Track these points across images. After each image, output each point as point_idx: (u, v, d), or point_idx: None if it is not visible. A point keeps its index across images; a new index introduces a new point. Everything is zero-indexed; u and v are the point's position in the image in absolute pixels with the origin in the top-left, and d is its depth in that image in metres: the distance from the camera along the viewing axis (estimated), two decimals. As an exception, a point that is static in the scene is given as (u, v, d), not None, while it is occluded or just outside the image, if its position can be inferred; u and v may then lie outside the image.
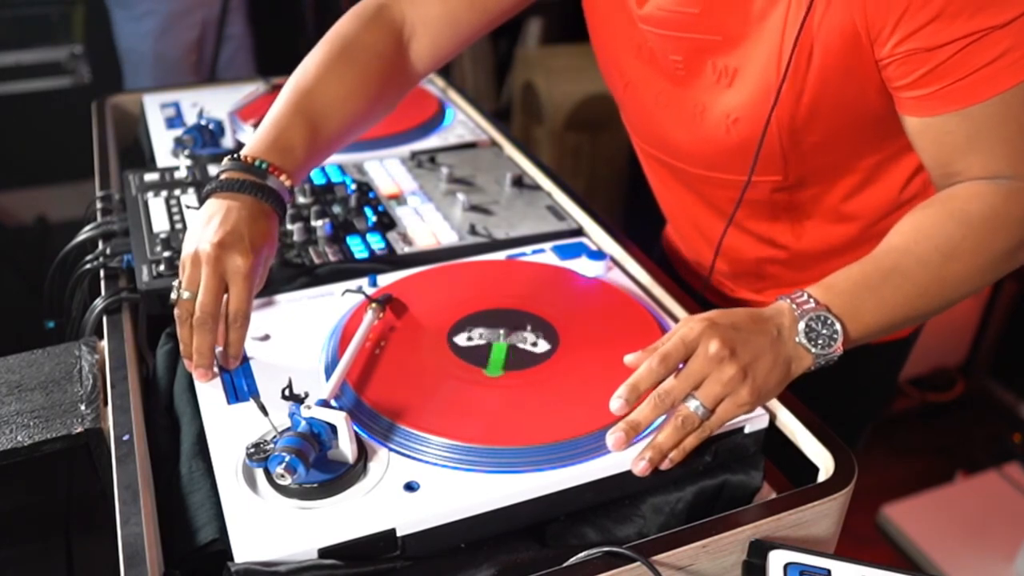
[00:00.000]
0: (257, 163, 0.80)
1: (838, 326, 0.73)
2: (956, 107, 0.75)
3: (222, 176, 0.80)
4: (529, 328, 0.81)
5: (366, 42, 0.92)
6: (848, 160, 0.91)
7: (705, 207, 1.02)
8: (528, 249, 0.98)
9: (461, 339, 0.79)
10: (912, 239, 0.77)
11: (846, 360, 0.74)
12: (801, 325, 0.72)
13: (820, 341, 0.72)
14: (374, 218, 1.03)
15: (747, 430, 0.73)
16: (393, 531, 0.62)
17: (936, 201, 0.79)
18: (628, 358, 0.73)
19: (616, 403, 0.69)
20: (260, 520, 0.62)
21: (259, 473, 0.66)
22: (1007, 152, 0.76)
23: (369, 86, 0.90)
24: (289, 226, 0.99)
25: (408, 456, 0.68)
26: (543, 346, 0.79)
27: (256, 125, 1.21)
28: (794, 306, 0.74)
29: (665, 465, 0.68)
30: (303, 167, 0.84)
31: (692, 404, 0.69)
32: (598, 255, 0.93)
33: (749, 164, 0.88)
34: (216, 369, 0.76)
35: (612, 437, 0.68)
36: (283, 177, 0.81)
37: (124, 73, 2.52)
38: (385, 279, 0.90)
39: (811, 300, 0.74)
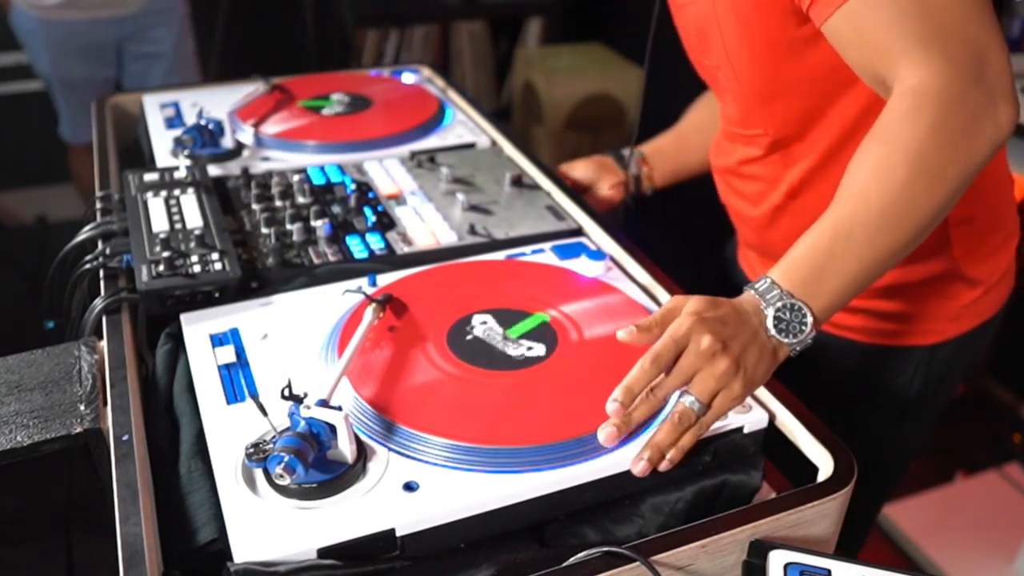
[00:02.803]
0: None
1: (805, 309, 0.72)
2: (838, 3, 0.76)
3: None
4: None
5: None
6: (816, 110, 0.94)
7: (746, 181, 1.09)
8: (528, 249, 0.98)
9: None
10: (848, 182, 0.76)
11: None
12: (769, 319, 0.73)
13: (791, 328, 0.72)
14: (374, 218, 1.03)
15: (746, 430, 0.73)
16: (392, 531, 0.62)
17: (866, 136, 0.77)
18: (620, 334, 0.73)
19: (612, 406, 0.69)
20: (259, 520, 0.62)
21: (258, 473, 0.66)
22: (895, 39, 0.74)
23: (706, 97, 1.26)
24: (289, 226, 0.99)
25: (407, 456, 0.68)
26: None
27: (256, 125, 1.22)
28: (760, 299, 0.74)
29: (664, 466, 0.68)
30: (660, 149, 1.29)
31: (687, 400, 0.69)
32: (598, 255, 0.93)
33: (750, 113, 0.98)
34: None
35: (604, 432, 0.68)
36: (635, 150, 1.26)
37: (51, 95, 2.46)
38: (385, 279, 0.90)
39: (774, 287, 0.73)
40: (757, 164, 1.04)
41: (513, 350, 0.78)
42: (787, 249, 1.05)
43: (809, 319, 0.72)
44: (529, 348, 0.79)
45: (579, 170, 1.27)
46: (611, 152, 1.29)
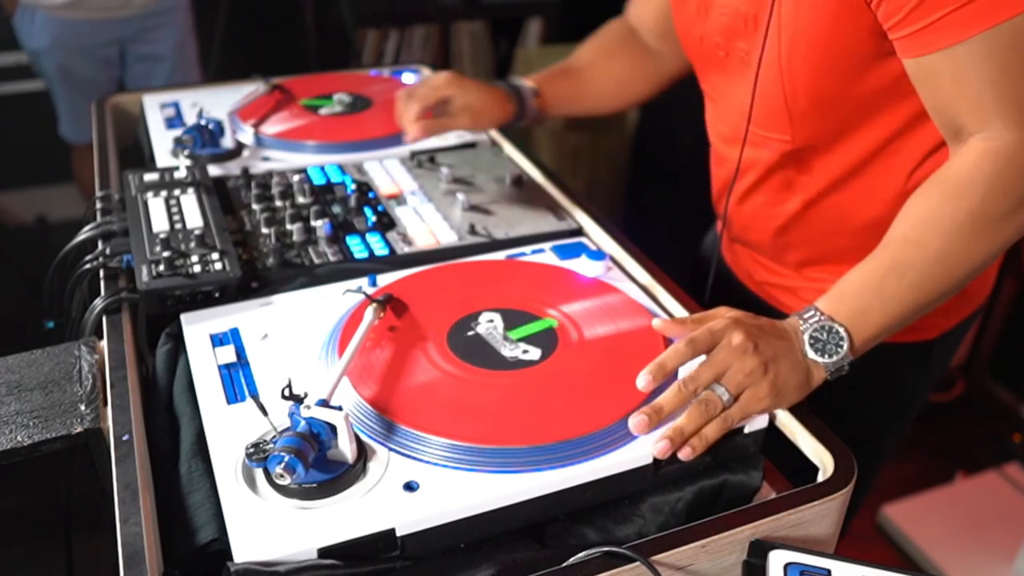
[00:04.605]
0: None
1: (842, 332, 0.75)
2: (942, 45, 0.75)
3: None
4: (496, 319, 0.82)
5: (612, 27, 1.24)
6: (850, 126, 0.92)
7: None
8: (528, 249, 0.98)
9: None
10: (909, 226, 0.78)
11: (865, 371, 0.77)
12: (806, 337, 0.75)
13: (827, 349, 0.75)
14: (374, 218, 1.03)
15: (747, 430, 0.73)
16: (393, 531, 0.62)
17: (930, 181, 0.80)
18: (656, 322, 0.77)
19: (643, 380, 0.71)
20: (260, 520, 0.62)
21: (259, 473, 0.66)
22: (993, 96, 0.75)
23: (611, 54, 1.21)
24: (289, 226, 0.99)
25: (408, 456, 0.68)
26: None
27: (256, 125, 1.22)
28: (800, 321, 0.76)
29: (685, 453, 0.69)
30: (552, 81, 1.17)
31: (717, 390, 0.71)
32: (598, 255, 0.93)
33: (774, 116, 0.92)
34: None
35: (635, 419, 0.69)
36: (528, 81, 1.14)
37: (52, 95, 2.45)
38: (385, 279, 0.90)
39: (816, 313, 0.76)
40: (771, 169, 1.00)
41: (509, 351, 0.78)
42: (792, 251, 1.06)
43: (845, 343, 0.75)
44: (525, 351, 0.78)
45: (442, 81, 1.08)
46: (505, 84, 1.14)
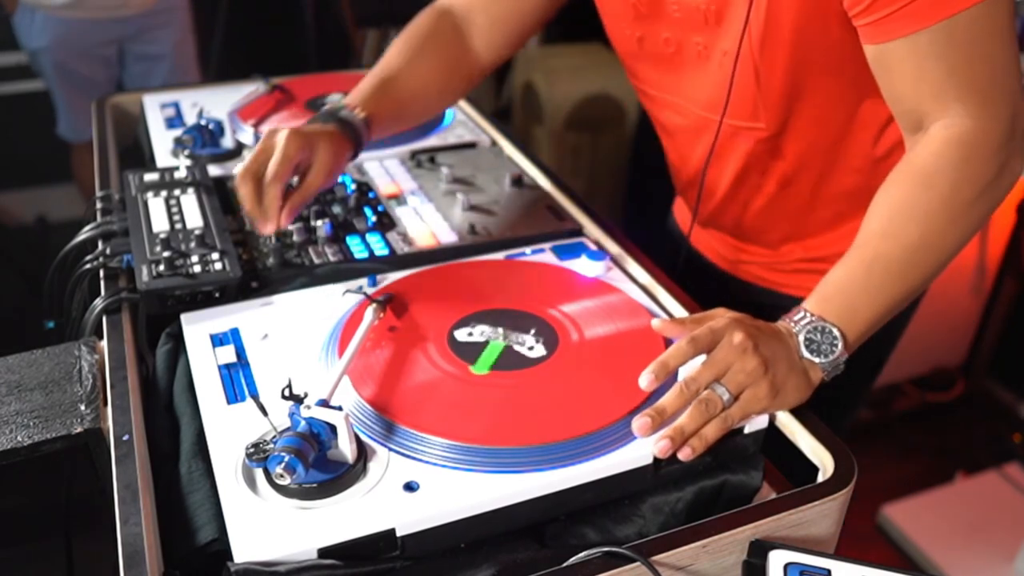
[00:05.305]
0: (337, 104, 0.98)
1: (835, 331, 0.76)
2: (904, 32, 0.76)
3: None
4: (532, 331, 0.81)
5: (424, 25, 1.08)
6: (822, 107, 0.93)
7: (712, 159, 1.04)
8: (528, 249, 0.98)
9: (462, 334, 0.80)
10: (885, 218, 0.79)
11: None
12: (800, 339, 0.76)
13: (822, 349, 0.76)
14: (374, 218, 1.03)
15: (747, 430, 0.73)
16: (393, 531, 0.62)
17: (898, 172, 0.81)
18: (655, 323, 0.77)
19: (646, 379, 0.71)
20: (260, 520, 0.62)
21: (259, 473, 0.66)
22: (954, 84, 0.77)
23: (428, 56, 1.06)
24: (289, 226, 0.99)
25: (408, 456, 0.68)
26: (539, 351, 0.79)
27: (256, 125, 1.22)
28: (791, 323, 0.77)
29: (685, 453, 0.69)
30: (376, 105, 0.98)
31: (717, 389, 0.71)
32: (598, 255, 0.93)
33: (749, 106, 0.92)
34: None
35: (638, 422, 0.69)
36: (357, 110, 0.96)
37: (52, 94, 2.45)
38: (385, 279, 0.90)
39: (807, 315, 0.77)
40: (746, 157, 1.00)
41: (462, 330, 0.79)
42: (768, 231, 1.06)
43: (840, 342, 0.76)
44: (469, 334, 0.79)
45: (293, 145, 0.88)
46: (330, 118, 0.95)
